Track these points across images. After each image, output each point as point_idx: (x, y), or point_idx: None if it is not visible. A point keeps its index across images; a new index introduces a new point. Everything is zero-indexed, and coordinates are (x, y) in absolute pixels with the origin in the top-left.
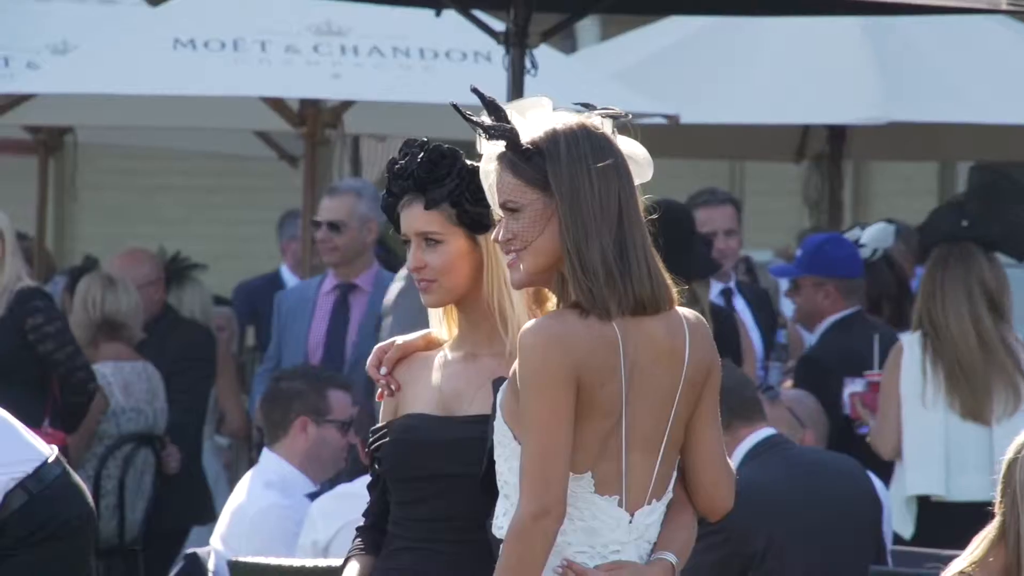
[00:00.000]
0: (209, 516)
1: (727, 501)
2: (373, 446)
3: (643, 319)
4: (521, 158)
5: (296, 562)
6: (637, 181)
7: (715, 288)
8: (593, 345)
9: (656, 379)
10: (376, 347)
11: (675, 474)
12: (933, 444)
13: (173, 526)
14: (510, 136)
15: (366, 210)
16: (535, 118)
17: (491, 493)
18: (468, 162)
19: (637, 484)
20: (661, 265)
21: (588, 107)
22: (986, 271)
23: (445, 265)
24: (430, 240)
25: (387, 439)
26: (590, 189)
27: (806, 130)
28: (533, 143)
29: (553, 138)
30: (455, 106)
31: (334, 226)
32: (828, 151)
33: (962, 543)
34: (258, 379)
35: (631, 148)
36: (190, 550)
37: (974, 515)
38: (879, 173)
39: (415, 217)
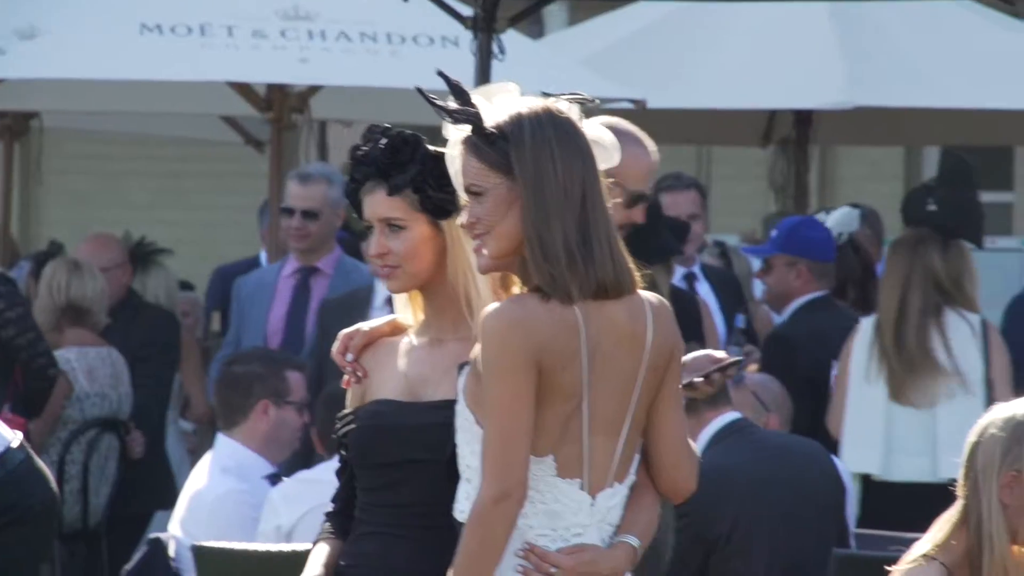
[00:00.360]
0: (173, 501)
1: (690, 483)
2: (340, 432)
3: (605, 303)
4: (485, 142)
5: (260, 547)
6: (604, 166)
7: (678, 272)
8: (554, 329)
9: (618, 363)
10: (341, 333)
11: (637, 457)
12: (872, 424)
13: (137, 511)
14: (474, 120)
15: (336, 196)
16: (501, 103)
17: (457, 478)
18: (431, 148)
19: (599, 467)
20: (624, 249)
21: (552, 95)
22: (935, 257)
23: (408, 251)
24: (393, 226)
25: (353, 426)
26: (553, 173)
27: (772, 115)
28: (497, 127)
29: (517, 122)
30: (420, 90)
31: (310, 214)
32: (794, 136)
33: (904, 523)
34: (215, 365)
35: (598, 133)
36: (153, 535)
37: (916, 496)
38: (845, 158)
39: (378, 203)
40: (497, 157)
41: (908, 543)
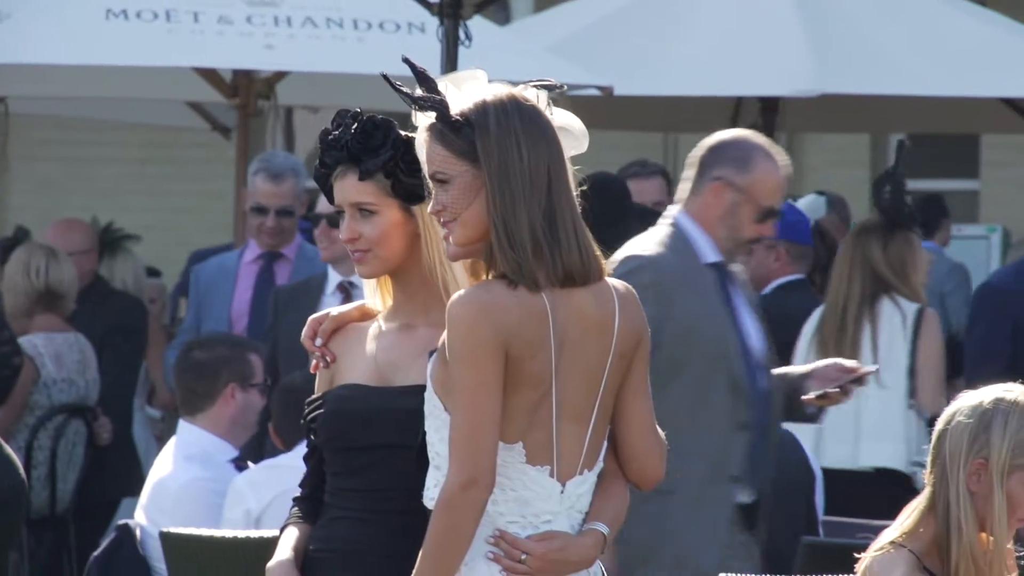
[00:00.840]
0: (140, 487)
1: (658, 471)
2: (309, 416)
3: (573, 291)
4: (450, 129)
5: (228, 533)
6: (572, 152)
7: None
8: (522, 316)
9: (586, 351)
10: (310, 318)
11: (606, 444)
12: None
13: (104, 497)
14: (440, 107)
15: (302, 187)
16: (468, 91)
17: (427, 464)
18: (403, 133)
19: (568, 454)
20: (590, 236)
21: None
22: (875, 247)
23: (379, 236)
24: (364, 211)
25: (322, 410)
26: (519, 161)
27: (739, 102)
28: (463, 114)
29: (483, 109)
30: (385, 77)
31: (285, 212)
32: (761, 123)
33: (835, 509)
34: (172, 351)
35: (566, 120)
36: (121, 521)
37: (838, 482)
38: (811, 145)
39: (349, 188)
40: (462, 144)
41: (875, 530)
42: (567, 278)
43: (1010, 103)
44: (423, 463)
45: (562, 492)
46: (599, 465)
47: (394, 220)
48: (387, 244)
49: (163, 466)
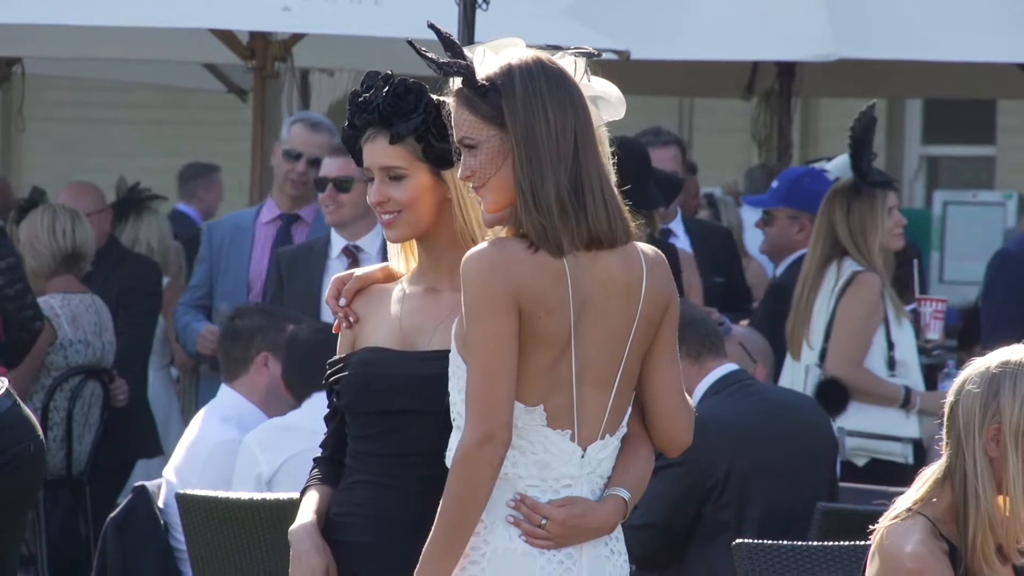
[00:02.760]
0: (156, 449)
1: (686, 436)
2: (331, 378)
3: (599, 254)
4: (477, 94)
5: (244, 495)
6: (608, 119)
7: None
8: (535, 272)
9: (610, 314)
10: (334, 278)
11: (630, 409)
12: (785, 376)
13: (120, 459)
14: (465, 72)
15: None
16: (503, 56)
17: (451, 430)
18: (434, 97)
19: (590, 419)
20: (619, 199)
21: (559, 48)
22: (839, 209)
23: (409, 200)
24: (394, 174)
25: (346, 372)
26: (545, 124)
27: (755, 67)
28: (488, 79)
29: (508, 73)
30: (411, 43)
31: (315, 162)
32: (777, 88)
33: None
34: (181, 309)
35: (603, 87)
36: (139, 483)
37: None
38: (827, 110)
39: (379, 151)
40: (489, 109)
41: (891, 497)
42: (593, 240)
43: None
44: (445, 429)
45: (583, 456)
46: (622, 430)
47: (424, 184)
48: (416, 208)
49: (197, 426)
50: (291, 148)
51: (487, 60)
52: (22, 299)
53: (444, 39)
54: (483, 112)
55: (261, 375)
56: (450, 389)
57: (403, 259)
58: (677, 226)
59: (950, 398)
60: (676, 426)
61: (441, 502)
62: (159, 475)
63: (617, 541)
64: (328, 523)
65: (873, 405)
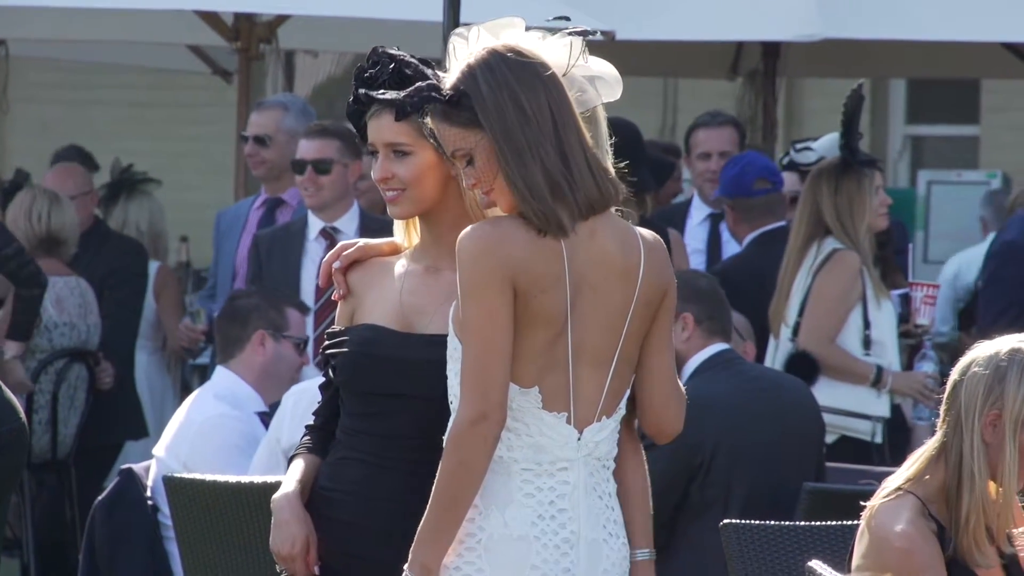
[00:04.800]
0: (142, 431)
1: (676, 424)
2: (328, 352)
3: (597, 234)
4: (449, 106)
5: (231, 478)
6: (606, 99)
7: (702, 212)
8: (530, 249)
9: (608, 296)
10: (339, 244)
11: (628, 392)
12: (768, 356)
13: (105, 441)
14: (429, 93)
15: (292, 124)
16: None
17: (449, 416)
18: (440, 74)
19: (585, 400)
20: (601, 160)
21: (564, 19)
22: (826, 188)
23: (414, 176)
24: (399, 151)
25: (344, 349)
26: (519, 112)
27: (740, 47)
28: (454, 87)
29: (470, 75)
30: (369, 95)
31: (260, 140)
32: (762, 68)
33: None
34: (201, 299)
35: (601, 67)
36: (126, 466)
37: None
38: (812, 90)
39: (384, 128)
40: (466, 116)
41: (877, 476)
42: (589, 209)
43: (1010, 48)
44: (441, 414)
45: (579, 439)
46: (620, 412)
47: (428, 161)
48: (420, 185)
49: (189, 402)
50: (242, 132)
51: (450, 68)
52: (21, 256)
53: (400, 61)
54: (462, 121)
55: (257, 353)
56: (448, 372)
57: (406, 235)
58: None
59: (954, 376)
60: (667, 414)
61: (435, 483)
62: (145, 457)
63: (616, 524)
64: (318, 497)
65: (844, 382)
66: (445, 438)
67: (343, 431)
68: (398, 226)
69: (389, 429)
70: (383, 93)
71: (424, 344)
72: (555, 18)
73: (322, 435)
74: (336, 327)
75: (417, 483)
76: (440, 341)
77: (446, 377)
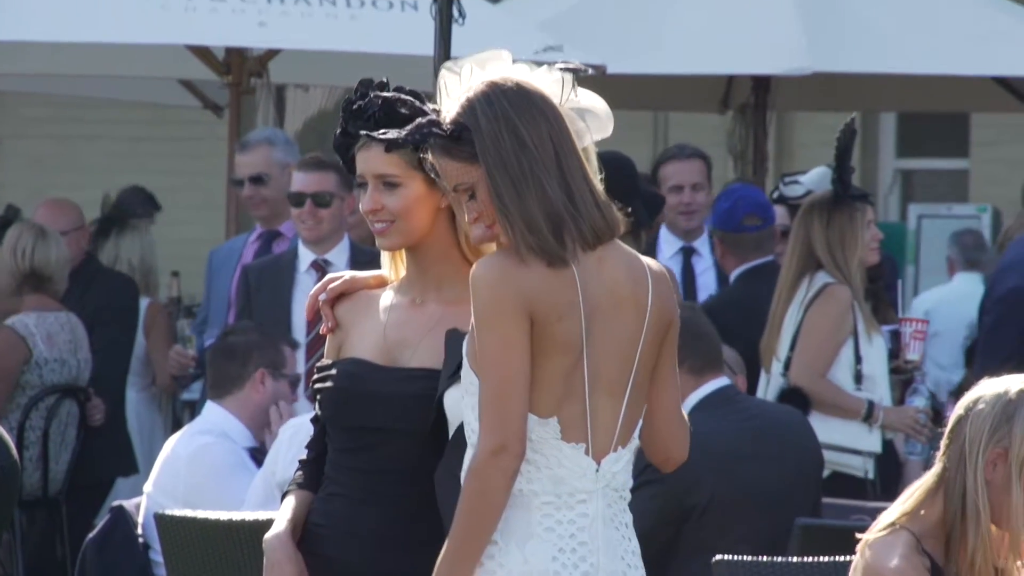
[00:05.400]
0: (132, 468)
1: (681, 453)
2: (315, 387)
3: (605, 262)
4: (450, 140)
5: (223, 515)
6: (598, 136)
7: (674, 246)
8: (546, 278)
9: (619, 323)
10: (326, 277)
11: (640, 421)
12: (760, 388)
13: (96, 478)
14: (429, 130)
15: (282, 157)
16: (483, 73)
17: (435, 451)
18: (430, 106)
19: (603, 429)
20: (602, 189)
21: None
22: (817, 221)
23: (403, 208)
24: (388, 183)
25: (328, 384)
26: (519, 145)
27: (731, 80)
28: (454, 122)
29: (470, 109)
30: (369, 134)
31: (258, 179)
32: (753, 101)
33: None
34: (193, 330)
35: (591, 101)
36: (116, 503)
37: None
38: (802, 123)
39: (374, 159)
40: (467, 150)
41: (871, 512)
42: (596, 239)
43: (1000, 82)
44: (424, 449)
45: (597, 471)
46: (634, 442)
47: (418, 193)
48: (410, 217)
49: (175, 439)
50: (234, 177)
51: (449, 102)
52: None
53: (397, 100)
54: (463, 156)
55: (257, 392)
56: (464, 408)
57: (393, 268)
58: (703, 245)
59: (958, 411)
60: (674, 443)
61: (455, 515)
62: (135, 494)
63: (634, 555)
64: (309, 533)
65: (836, 417)
66: (464, 470)
67: (330, 465)
68: (385, 258)
69: (371, 464)
70: (383, 133)
71: (407, 378)
72: (546, 48)
73: (314, 469)
74: (324, 361)
75: (404, 517)
76: (423, 375)
77: (430, 411)
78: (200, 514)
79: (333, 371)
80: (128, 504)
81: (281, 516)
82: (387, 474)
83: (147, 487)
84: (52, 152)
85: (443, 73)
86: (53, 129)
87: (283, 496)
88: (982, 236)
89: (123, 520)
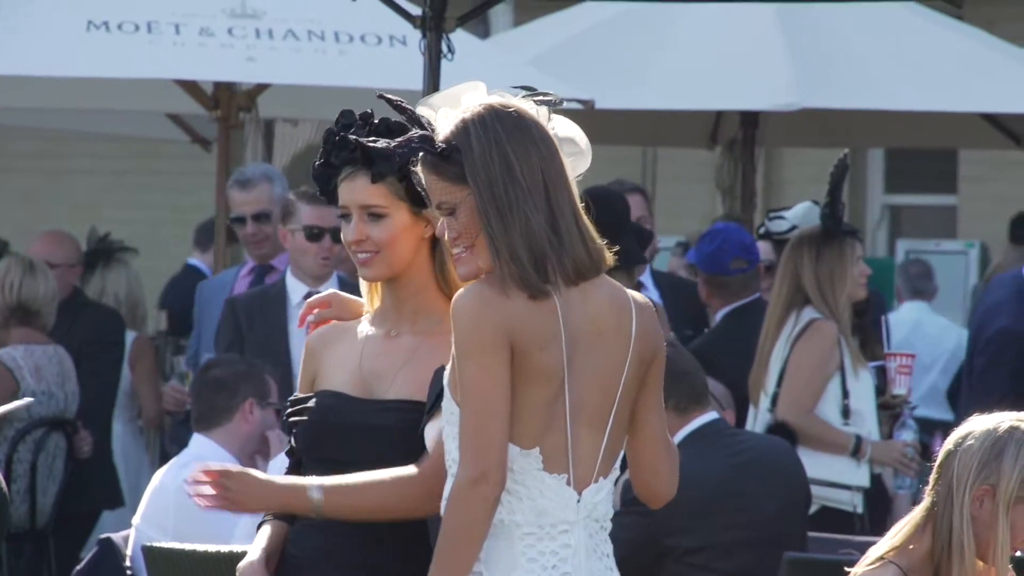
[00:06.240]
0: (118, 501)
1: (669, 488)
2: (290, 419)
3: (588, 292)
4: (440, 158)
5: (211, 547)
6: (580, 169)
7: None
8: (527, 307)
9: (602, 353)
10: (313, 298)
11: (622, 453)
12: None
13: (83, 510)
14: (421, 144)
15: (280, 193)
16: (447, 114)
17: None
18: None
19: (584, 460)
20: (591, 226)
21: (527, 89)
22: (807, 256)
23: (388, 239)
24: (373, 214)
25: (303, 417)
26: (507, 172)
27: (719, 116)
28: (446, 140)
29: (464, 130)
30: (361, 143)
31: (261, 217)
32: (741, 137)
33: None
34: (187, 362)
35: (568, 131)
36: (104, 535)
37: None
38: (791, 159)
39: (360, 190)
40: (455, 170)
41: (859, 547)
42: (578, 275)
43: (988, 118)
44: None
45: (579, 501)
46: (615, 473)
47: (403, 223)
48: (394, 248)
49: (161, 473)
50: (234, 215)
51: (446, 118)
52: None
53: (396, 107)
54: (450, 175)
55: (246, 422)
56: (444, 437)
57: (370, 299)
58: (647, 278)
59: (948, 446)
60: (661, 477)
61: (436, 545)
62: (121, 527)
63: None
64: (285, 563)
65: (823, 453)
66: (444, 500)
67: None
68: (364, 289)
69: None
70: (374, 141)
71: (383, 410)
72: (519, 87)
73: None
74: (298, 393)
75: (375, 544)
76: (399, 407)
77: (406, 443)
78: (188, 546)
79: (308, 404)
80: (116, 537)
81: (256, 545)
82: None
83: (135, 520)
84: (40, 186)
85: (419, 109)
86: (41, 163)
87: (259, 525)
88: (928, 265)
89: (111, 553)
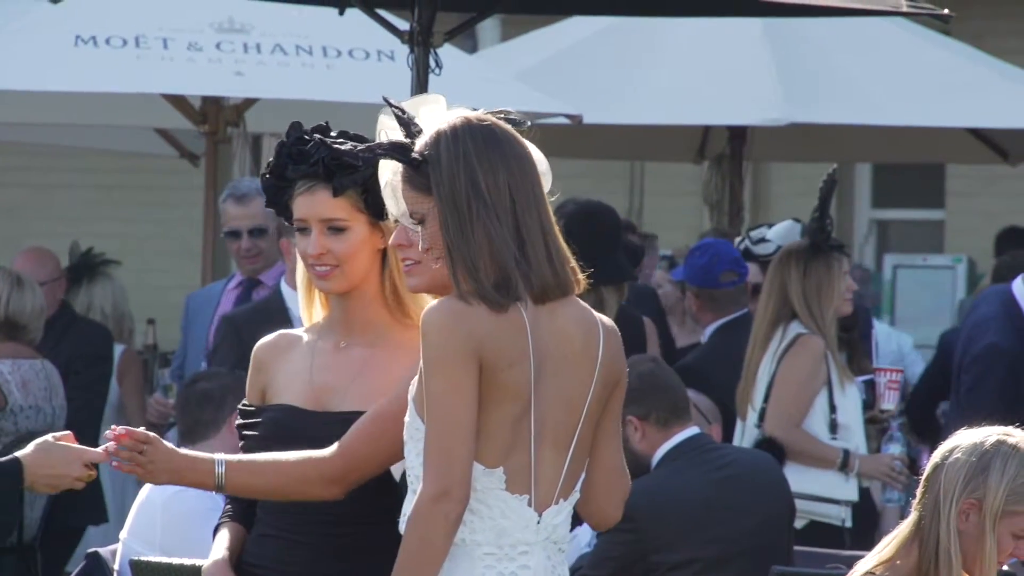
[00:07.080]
0: (103, 516)
1: (616, 513)
2: (241, 428)
3: (555, 311)
4: (412, 167)
5: (198, 561)
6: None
7: None
8: (497, 324)
9: (568, 376)
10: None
11: (583, 475)
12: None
13: (69, 525)
14: (400, 150)
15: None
16: (430, 115)
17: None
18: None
19: (546, 481)
20: (565, 249)
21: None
22: (794, 271)
23: (349, 252)
24: (334, 227)
25: (255, 431)
26: (472, 187)
27: (707, 131)
28: (419, 151)
29: (435, 142)
30: (359, 142)
31: (258, 231)
32: (728, 152)
33: None
34: (172, 375)
35: (534, 156)
36: (92, 550)
37: None
38: (778, 174)
39: (320, 204)
40: (424, 181)
41: (847, 560)
42: (543, 293)
43: (976, 133)
44: (352, 491)
45: (538, 522)
46: (575, 495)
47: (363, 236)
48: (354, 260)
49: (148, 486)
50: (228, 228)
51: (424, 128)
52: None
53: (399, 119)
54: (419, 185)
55: (232, 434)
56: (406, 453)
57: (307, 309)
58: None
59: (935, 460)
60: (611, 502)
61: (396, 561)
62: (106, 542)
63: None
64: (241, 572)
65: (811, 467)
66: (405, 516)
67: (261, 508)
68: (301, 299)
69: (301, 507)
70: (341, 143)
71: (338, 422)
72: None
73: (242, 504)
74: (247, 404)
75: (336, 557)
76: (352, 419)
77: None
78: (176, 560)
79: (259, 419)
80: (104, 551)
81: (218, 546)
82: (316, 515)
83: (123, 534)
84: (27, 200)
85: (381, 119)
86: (28, 177)
87: (215, 528)
88: (867, 270)
89: (98, 567)
